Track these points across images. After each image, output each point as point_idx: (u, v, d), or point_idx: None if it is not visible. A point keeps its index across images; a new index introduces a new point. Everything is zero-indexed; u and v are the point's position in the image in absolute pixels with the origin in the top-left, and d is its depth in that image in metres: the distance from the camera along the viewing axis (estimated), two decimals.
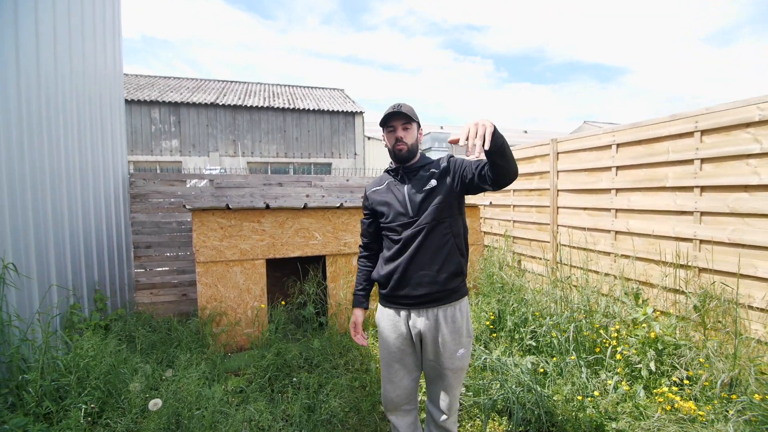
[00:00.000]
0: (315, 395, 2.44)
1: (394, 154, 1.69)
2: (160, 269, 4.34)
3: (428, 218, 1.60)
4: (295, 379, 2.65)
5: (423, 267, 1.61)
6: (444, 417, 1.74)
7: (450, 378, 1.66)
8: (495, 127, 1.29)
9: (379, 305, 1.78)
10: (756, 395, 1.81)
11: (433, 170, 1.67)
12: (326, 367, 2.81)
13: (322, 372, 2.74)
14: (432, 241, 1.61)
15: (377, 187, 1.79)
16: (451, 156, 1.71)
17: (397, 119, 1.65)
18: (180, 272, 4.37)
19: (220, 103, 13.45)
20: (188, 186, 4.53)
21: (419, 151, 1.75)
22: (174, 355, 2.83)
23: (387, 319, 1.71)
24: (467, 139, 1.28)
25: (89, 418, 1.94)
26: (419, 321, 1.63)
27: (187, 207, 3.22)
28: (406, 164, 1.72)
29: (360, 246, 1.93)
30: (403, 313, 1.66)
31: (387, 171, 1.81)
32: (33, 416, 1.88)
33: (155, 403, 1.86)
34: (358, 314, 1.85)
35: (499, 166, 1.41)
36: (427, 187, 1.63)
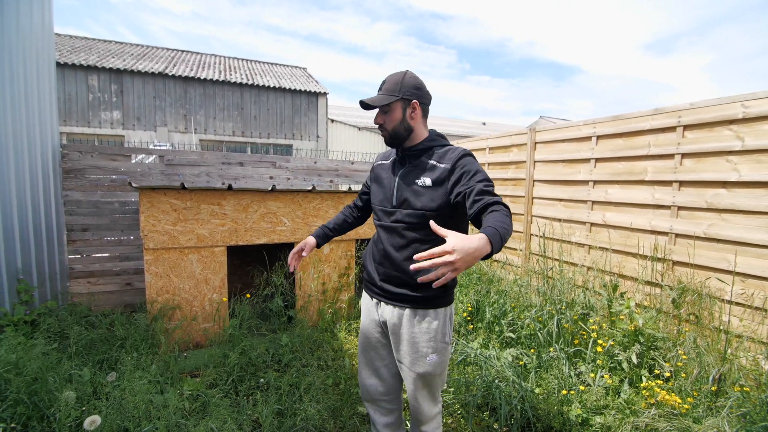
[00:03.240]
0: (286, 398, 2.20)
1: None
2: (99, 255, 3.82)
3: (409, 218, 1.40)
4: (262, 379, 2.39)
5: (396, 267, 1.44)
6: (419, 423, 1.59)
7: (417, 382, 1.48)
8: (484, 252, 1.01)
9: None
10: (736, 388, 1.84)
11: (434, 163, 1.40)
12: (297, 365, 2.57)
13: (293, 371, 2.50)
14: (410, 242, 1.41)
15: (383, 161, 1.62)
16: (466, 155, 1.38)
17: (368, 108, 1.45)
18: (123, 259, 3.87)
19: (170, 74, 12.31)
20: (134, 162, 4.00)
21: (426, 130, 1.50)
22: (118, 357, 2.46)
23: (364, 302, 1.64)
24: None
25: None
26: (386, 311, 1.50)
27: (134, 185, 2.78)
28: (404, 146, 1.49)
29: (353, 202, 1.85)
30: (375, 299, 1.56)
31: None
32: None
33: (92, 421, 1.54)
34: (309, 241, 1.69)
35: None
36: (419, 183, 1.39)
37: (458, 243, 0.97)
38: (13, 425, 1.62)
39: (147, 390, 1.99)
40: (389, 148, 1.57)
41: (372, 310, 1.57)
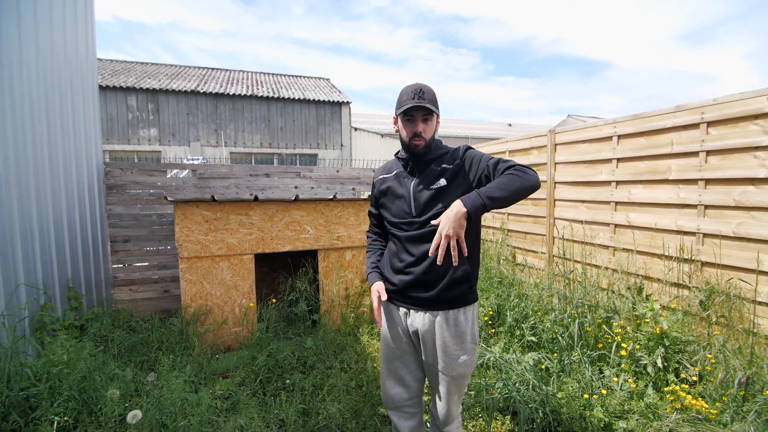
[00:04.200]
0: (310, 398, 2.30)
1: (408, 148, 1.51)
2: (140, 264, 4.10)
3: (429, 221, 1.45)
4: (288, 381, 2.51)
5: (425, 272, 1.48)
6: (444, 423, 1.63)
7: (450, 385, 1.54)
8: (469, 213, 1.25)
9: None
10: (766, 392, 1.77)
11: (446, 166, 1.50)
12: (321, 367, 2.67)
13: (317, 373, 2.60)
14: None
15: (385, 175, 1.64)
16: (469, 148, 1.53)
17: (418, 110, 1.45)
18: (161, 267, 4.13)
19: (201, 91, 12.95)
20: (169, 176, 4.27)
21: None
22: (156, 358, 2.64)
23: (389, 314, 1.62)
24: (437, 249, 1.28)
25: None
26: (417, 320, 1.53)
27: (169, 199, 3.00)
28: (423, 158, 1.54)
29: (368, 232, 1.85)
30: (402, 309, 1.57)
31: (397, 157, 1.63)
32: None
33: (134, 416, 1.68)
34: (379, 286, 1.59)
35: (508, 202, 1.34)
36: (435, 186, 1.47)
37: (442, 219, 1.27)
38: (66, 418, 1.79)
39: (182, 389, 2.14)
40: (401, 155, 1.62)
41: (399, 321, 1.59)
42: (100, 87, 11.73)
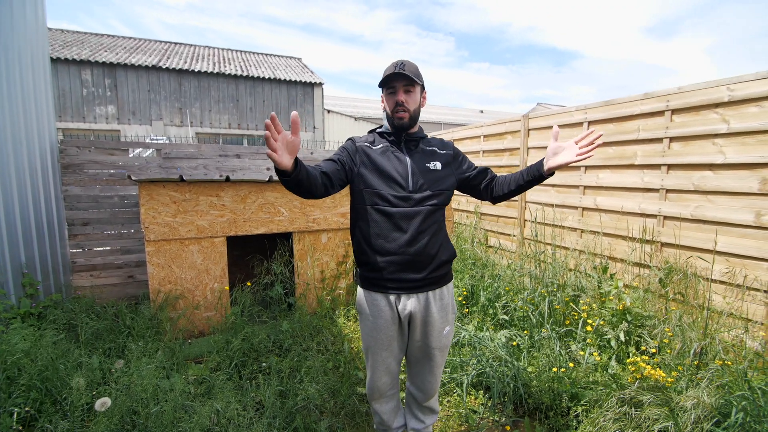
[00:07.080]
0: (288, 380, 2.29)
1: (392, 121, 1.50)
2: (101, 249, 3.88)
3: (428, 200, 1.49)
4: (264, 364, 2.48)
5: (419, 252, 1.48)
6: (430, 397, 1.70)
7: (437, 357, 1.62)
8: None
9: (361, 289, 1.60)
10: (718, 361, 1.92)
11: (435, 149, 1.58)
12: (297, 349, 2.66)
13: (294, 355, 2.59)
14: (430, 225, 1.50)
15: (369, 144, 1.56)
16: (455, 146, 1.67)
17: (398, 80, 1.45)
18: (125, 252, 3.94)
19: (164, 67, 12.22)
20: (131, 156, 4.04)
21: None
22: (124, 345, 2.54)
23: (373, 305, 1.54)
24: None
25: (20, 426, 1.65)
26: (409, 303, 1.51)
27: (133, 178, 2.83)
28: (408, 131, 1.55)
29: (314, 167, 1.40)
30: (392, 297, 1.51)
31: (380, 133, 1.60)
32: None
33: (103, 403, 1.62)
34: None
35: (513, 194, 1.60)
36: (430, 167, 1.53)
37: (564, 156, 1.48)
38: (27, 409, 1.70)
39: (154, 375, 2.07)
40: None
41: (386, 309, 1.51)
42: (51, 59, 10.82)
